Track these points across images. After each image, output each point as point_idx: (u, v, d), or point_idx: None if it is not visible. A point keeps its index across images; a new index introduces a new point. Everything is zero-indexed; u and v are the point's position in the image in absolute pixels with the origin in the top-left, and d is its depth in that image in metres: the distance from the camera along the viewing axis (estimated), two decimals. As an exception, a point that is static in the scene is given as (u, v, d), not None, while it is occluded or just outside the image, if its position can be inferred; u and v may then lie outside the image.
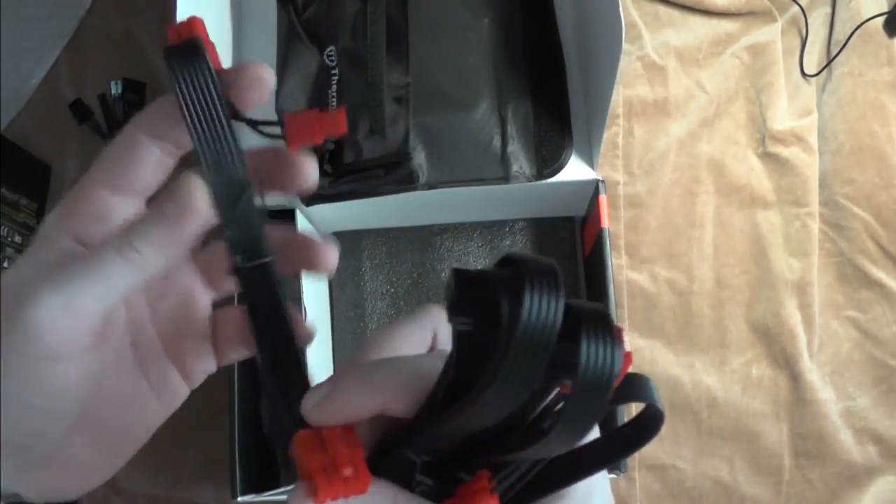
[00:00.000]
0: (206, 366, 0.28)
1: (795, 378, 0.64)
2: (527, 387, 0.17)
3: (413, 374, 0.21)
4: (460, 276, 0.18)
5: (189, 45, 0.23)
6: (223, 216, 0.24)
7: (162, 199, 0.24)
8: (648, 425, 0.20)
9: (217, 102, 0.23)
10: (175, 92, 0.23)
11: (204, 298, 0.28)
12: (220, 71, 0.23)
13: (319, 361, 0.62)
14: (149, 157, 0.24)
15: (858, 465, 0.63)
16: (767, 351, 0.65)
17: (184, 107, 0.23)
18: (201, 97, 0.23)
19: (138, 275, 0.23)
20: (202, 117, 0.23)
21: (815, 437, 0.63)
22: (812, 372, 0.64)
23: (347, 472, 0.20)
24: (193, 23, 0.23)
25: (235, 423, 0.53)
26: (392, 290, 0.66)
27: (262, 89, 0.24)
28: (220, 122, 0.23)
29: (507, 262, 0.17)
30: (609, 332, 0.16)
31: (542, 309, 0.16)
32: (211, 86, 0.23)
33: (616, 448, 0.21)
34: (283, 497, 0.54)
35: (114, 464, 0.26)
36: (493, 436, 0.20)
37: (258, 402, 0.60)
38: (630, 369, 0.19)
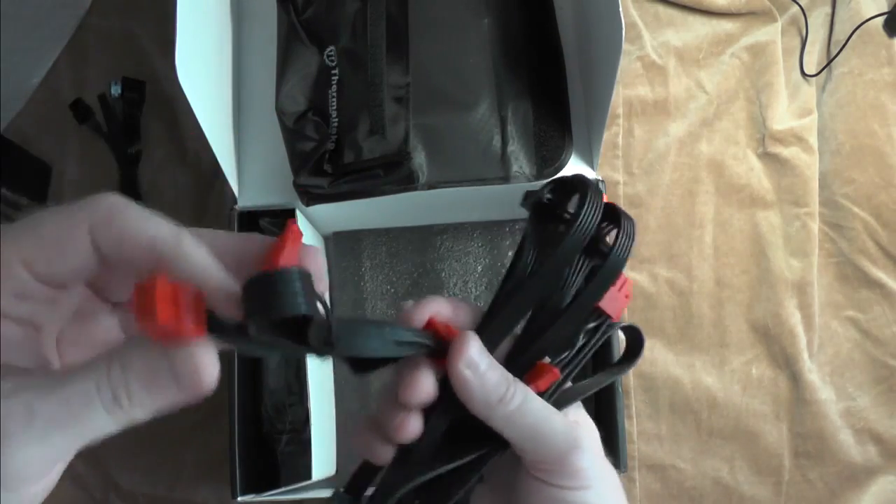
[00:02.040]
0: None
1: (795, 378, 0.64)
2: (586, 237, 0.27)
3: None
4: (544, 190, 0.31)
5: None
6: None
7: (160, 362, 0.22)
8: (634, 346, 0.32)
9: None
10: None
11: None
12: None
13: (319, 362, 0.62)
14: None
15: (858, 465, 0.63)
16: (767, 351, 0.65)
17: None
18: None
19: (117, 427, 0.22)
20: None
21: (815, 437, 0.63)
22: (812, 372, 0.64)
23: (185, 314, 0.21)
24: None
25: (235, 423, 0.53)
26: (392, 290, 0.66)
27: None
28: None
29: (572, 180, 0.29)
30: (633, 231, 0.28)
31: (595, 203, 0.27)
32: None
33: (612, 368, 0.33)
34: (284, 497, 0.54)
35: None
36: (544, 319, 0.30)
37: (258, 401, 0.60)
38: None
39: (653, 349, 0.65)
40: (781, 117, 0.68)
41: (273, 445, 0.60)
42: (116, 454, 0.64)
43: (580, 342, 0.30)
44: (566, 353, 0.30)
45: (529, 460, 0.29)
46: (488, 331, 0.29)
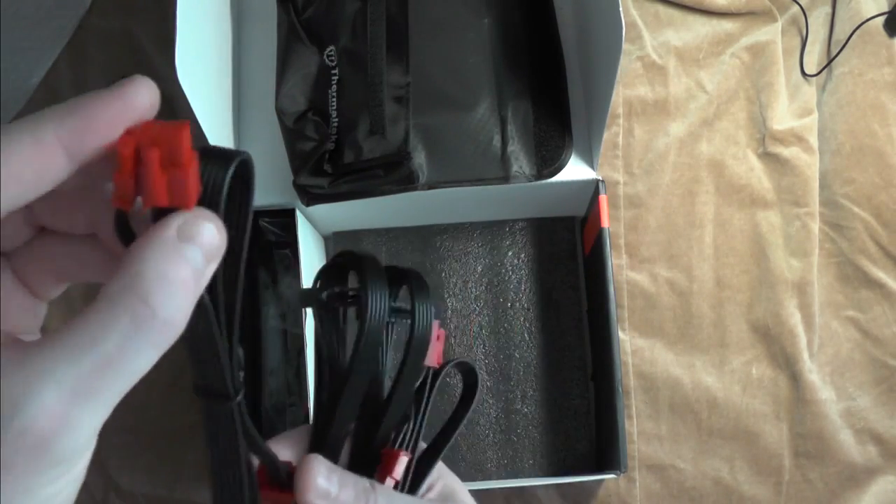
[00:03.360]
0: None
1: (795, 378, 0.64)
2: (382, 318, 0.26)
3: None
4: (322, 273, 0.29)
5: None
6: None
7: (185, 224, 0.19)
8: (467, 396, 0.33)
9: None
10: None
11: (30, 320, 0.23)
12: None
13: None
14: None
15: (858, 465, 0.63)
16: (767, 351, 0.65)
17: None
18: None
19: (157, 352, 0.18)
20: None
21: (815, 437, 0.63)
22: (812, 372, 0.64)
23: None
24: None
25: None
26: (392, 290, 0.66)
27: None
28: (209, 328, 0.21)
29: (345, 255, 0.28)
30: (428, 300, 0.28)
31: (380, 302, 0.26)
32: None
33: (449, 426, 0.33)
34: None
35: None
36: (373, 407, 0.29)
37: (258, 402, 0.60)
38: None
39: (653, 349, 0.65)
40: (781, 117, 0.68)
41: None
42: (116, 454, 0.64)
43: (414, 409, 0.30)
44: (406, 426, 0.30)
45: None
46: (327, 443, 0.28)
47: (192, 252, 0.18)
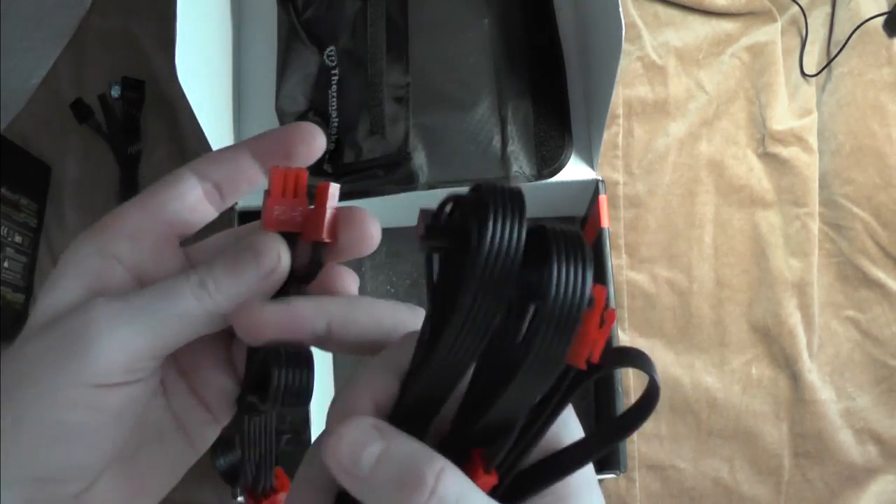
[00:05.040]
0: (228, 392, 0.26)
1: (795, 378, 0.64)
2: (497, 304, 0.17)
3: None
4: (437, 209, 0.19)
5: (302, 360, 0.22)
6: None
7: (242, 247, 0.23)
8: (646, 403, 0.20)
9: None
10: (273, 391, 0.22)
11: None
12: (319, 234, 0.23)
13: (319, 362, 0.61)
14: (187, 189, 0.24)
15: (858, 465, 0.63)
16: (767, 351, 0.65)
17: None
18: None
19: (207, 325, 0.23)
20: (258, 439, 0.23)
21: (815, 437, 0.63)
22: (812, 372, 0.64)
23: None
24: (301, 177, 0.23)
25: (235, 423, 0.53)
26: (392, 290, 0.66)
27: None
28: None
29: (476, 189, 0.18)
30: (581, 256, 0.17)
31: (507, 231, 0.16)
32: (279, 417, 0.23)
33: (613, 431, 0.21)
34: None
35: None
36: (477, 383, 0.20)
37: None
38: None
39: (653, 349, 0.65)
40: (781, 117, 0.68)
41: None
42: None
43: (530, 417, 0.20)
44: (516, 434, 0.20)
45: None
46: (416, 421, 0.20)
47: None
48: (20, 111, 0.71)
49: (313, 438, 0.54)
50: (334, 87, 0.56)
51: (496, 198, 0.17)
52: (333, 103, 0.56)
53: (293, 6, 0.58)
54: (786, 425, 0.64)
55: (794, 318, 0.64)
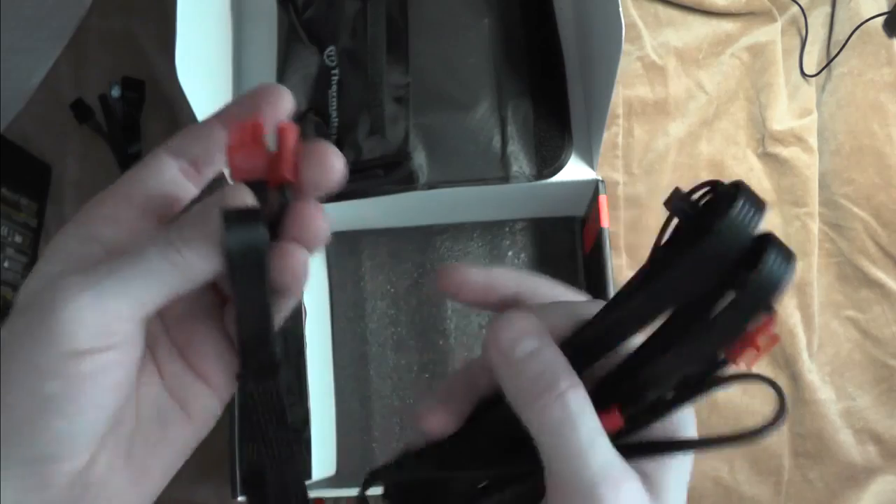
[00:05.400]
0: (228, 369, 0.25)
1: (795, 378, 0.64)
2: (705, 278, 0.20)
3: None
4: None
5: (248, 216, 0.22)
6: (247, 388, 0.24)
7: (207, 201, 0.23)
8: (775, 419, 0.22)
9: (262, 276, 0.23)
10: (226, 260, 0.22)
11: (213, 294, 0.26)
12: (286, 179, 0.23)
13: (319, 362, 0.62)
14: (162, 167, 0.25)
15: (858, 465, 0.63)
16: (767, 351, 0.65)
17: (232, 275, 0.23)
18: (248, 269, 0.23)
19: (179, 281, 0.22)
20: (247, 290, 0.23)
21: (815, 437, 0.63)
22: (812, 372, 0.64)
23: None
24: (258, 127, 0.23)
25: (235, 423, 0.53)
26: (392, 290, 0.66)
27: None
28: (262, 297, 0.23)
29: (736, 184, 0.21)
30: (792, 263, 0.20)
31: (747, 214, 0.19)
32: (260, 261, 0.23)
33: (730, 438, 0.23)
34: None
35: (139, 493, 0.24)
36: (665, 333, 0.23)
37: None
38: None
39: (653, 349, 0.65)
40: (781, 117, 0.68)
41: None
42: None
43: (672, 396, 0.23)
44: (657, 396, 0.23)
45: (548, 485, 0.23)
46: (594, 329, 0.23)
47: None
48: (20, 111, 0.71)
49: (313, 438, 0.54)
50: (334, 87, 0.56)
51: (748, 193, 0.20)
52: (333, 103, 0.56)
53: (293, 6, 0.58)
54: (786, 425, 0.64)
55: (794, 318, 0.64)
